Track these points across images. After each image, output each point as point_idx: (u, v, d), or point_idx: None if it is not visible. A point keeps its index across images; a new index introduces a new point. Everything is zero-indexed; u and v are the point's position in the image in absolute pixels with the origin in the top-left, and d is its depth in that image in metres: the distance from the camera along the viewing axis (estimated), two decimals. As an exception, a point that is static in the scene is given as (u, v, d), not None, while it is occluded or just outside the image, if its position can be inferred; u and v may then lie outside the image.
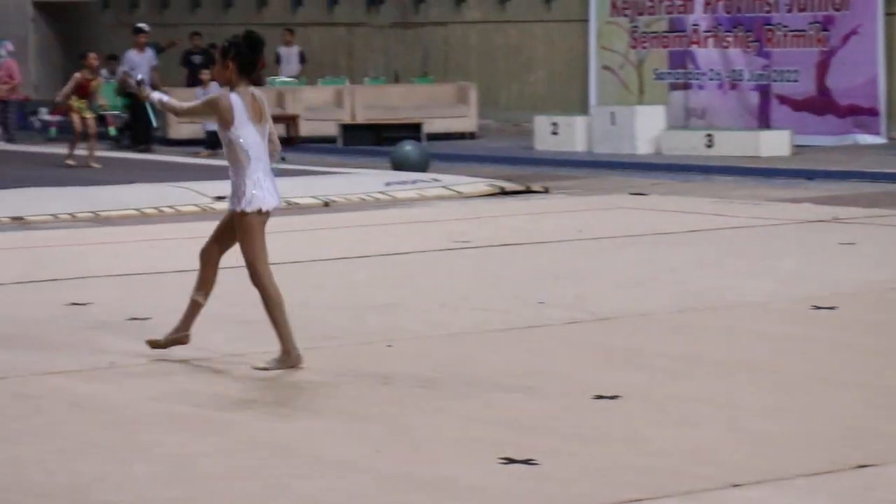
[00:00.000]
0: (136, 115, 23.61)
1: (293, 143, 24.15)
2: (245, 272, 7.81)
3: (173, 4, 33.75)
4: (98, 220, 14.57)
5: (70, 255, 12.04)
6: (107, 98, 24.77)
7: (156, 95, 7.97)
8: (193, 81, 24.83)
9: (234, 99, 7.60)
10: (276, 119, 24.11)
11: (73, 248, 12.55)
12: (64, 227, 14.07)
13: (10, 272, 11.08)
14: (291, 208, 15.53)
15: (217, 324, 8.96)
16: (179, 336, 7.97)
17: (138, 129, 23.64)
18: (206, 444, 6.32)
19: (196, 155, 22.05)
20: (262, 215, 7.68)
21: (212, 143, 22.70)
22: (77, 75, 20.51)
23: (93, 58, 20.77)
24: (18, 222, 14.22)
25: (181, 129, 23.95)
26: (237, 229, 7.72)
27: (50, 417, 6.80)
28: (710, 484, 5.70)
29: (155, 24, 31.79)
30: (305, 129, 24.58)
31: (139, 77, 8.19)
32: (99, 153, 20.75)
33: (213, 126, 22.61)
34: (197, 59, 25.66)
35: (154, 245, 12.75)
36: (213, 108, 7.66)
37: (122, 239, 13.18)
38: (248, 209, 7.63)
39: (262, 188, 7.64)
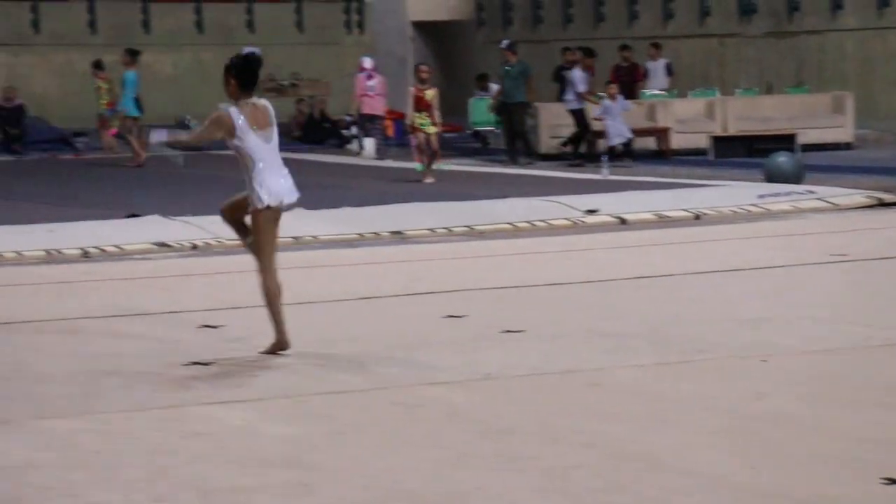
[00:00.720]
0: (514, 131, 23.94)
1: (664, 156, 24.07)
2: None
3: (546, 21, 34.18)
4: (473, 234, 14.86)
5: (446, 269, 12.33)
6: (452, 113, 25.14)
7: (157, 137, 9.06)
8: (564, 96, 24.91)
9: (234, 112, 8.54)
10: (647, 132, 24.60)
11: (450, 262, 12.84)
12: (440, 242, 14.42)
13: (391, 285, 11.42)
14: (662, 221, 15.48)
15: (589, 337, 9.01)
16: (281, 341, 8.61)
17: (517, 145, 23.91)
18: (579, 455, 6.35)
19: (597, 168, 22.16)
20: (272, 211, 8.53)
21: (591, 156, 22.81)
22: (411, 89, 21.16)
23: (423, 70, 21.30)
24: (398, 237, 14.65)
25: (551, 143, 24.20)
26: (252, 225, 8.64)
27: (427, 427, 6.96)
28: None
29: (529, 40, 32.30)
30: (676, 141, 24.47)
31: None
32: (472, 168, 21.17)
33: (615, 140, 22.86)
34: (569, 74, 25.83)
35: (527, 258, 12.93)
36: (220, 124, 8.57)
37: (497, 252, 13.40)
38: (259, 206, 8.51)
39: (266, 187, 8.48)
